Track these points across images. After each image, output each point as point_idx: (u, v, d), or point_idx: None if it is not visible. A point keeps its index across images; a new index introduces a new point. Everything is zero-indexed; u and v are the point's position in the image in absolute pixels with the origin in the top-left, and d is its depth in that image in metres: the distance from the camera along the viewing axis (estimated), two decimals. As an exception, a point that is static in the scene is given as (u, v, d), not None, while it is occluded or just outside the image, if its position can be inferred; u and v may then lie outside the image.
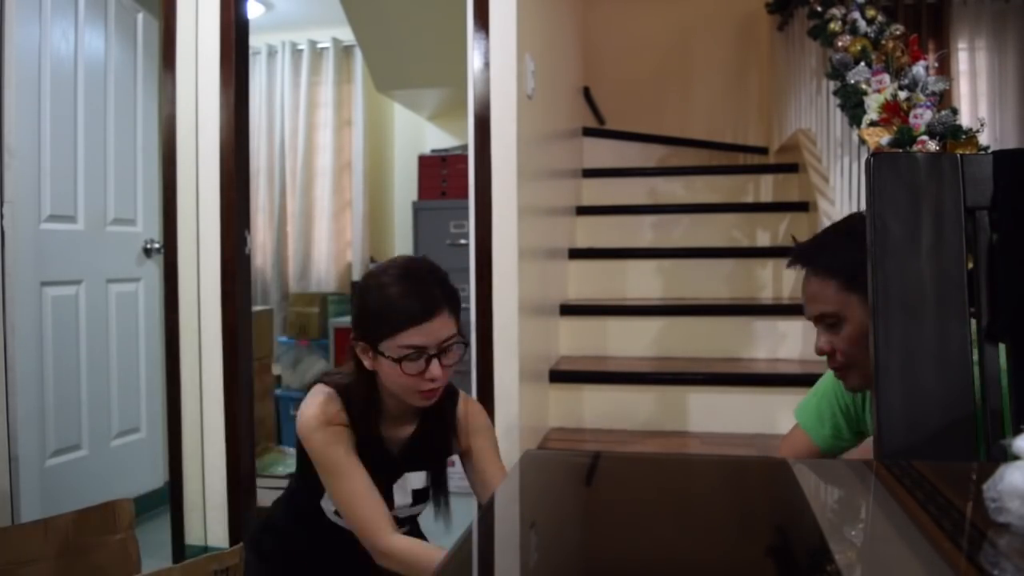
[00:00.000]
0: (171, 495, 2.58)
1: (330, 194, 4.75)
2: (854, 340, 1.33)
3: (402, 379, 1.34)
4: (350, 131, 4.76)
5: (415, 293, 1.33)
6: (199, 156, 2.52)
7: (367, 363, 1.38)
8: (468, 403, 1.54)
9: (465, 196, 2.40)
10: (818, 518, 0.66)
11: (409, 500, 1.48)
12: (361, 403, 1.41)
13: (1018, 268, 0.89)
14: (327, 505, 1.47)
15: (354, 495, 1.37)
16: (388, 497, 1.44)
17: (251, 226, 2.62)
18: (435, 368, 1.33)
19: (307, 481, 1.45)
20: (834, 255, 1.36)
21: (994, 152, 0.93)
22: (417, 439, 1.47)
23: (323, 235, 4.77)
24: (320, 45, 4.77)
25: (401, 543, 1.36)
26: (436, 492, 1.51)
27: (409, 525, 1.56)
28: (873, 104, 2.25)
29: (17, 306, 2.43)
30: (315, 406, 1.40)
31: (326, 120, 4.76)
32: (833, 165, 2.89)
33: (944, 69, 4.58)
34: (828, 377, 1.57)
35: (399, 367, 1.32)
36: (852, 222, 1.52)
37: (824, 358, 1.41)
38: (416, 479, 1.48)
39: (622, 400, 2.67)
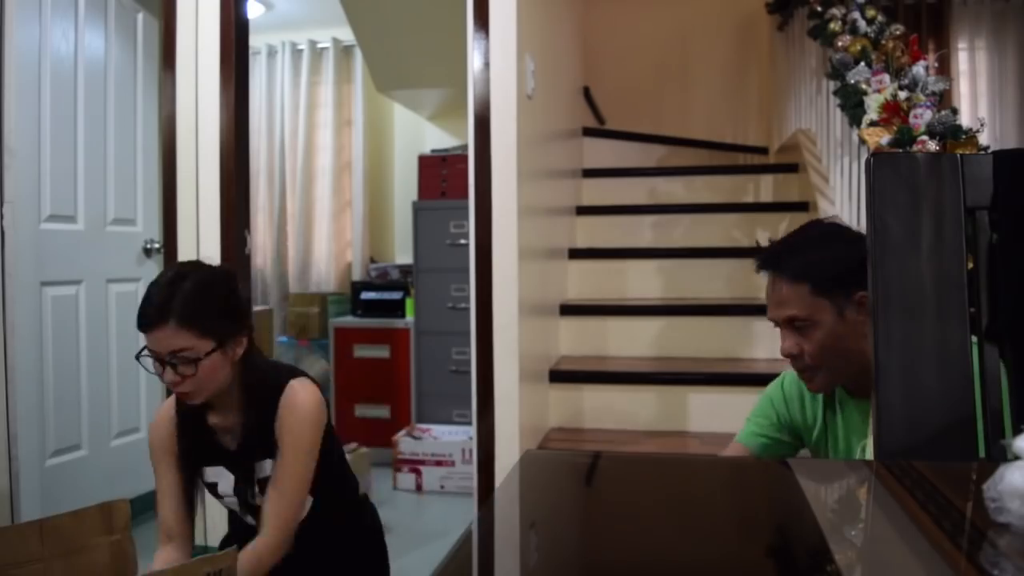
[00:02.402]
0: (171, 495, 2.57)
1: (330, 194, 4.75)
2: (823, 344, 1.35)
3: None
4: (350, 131, 4.76)
5: (147, 300, 1.40)
6: (199, 156, 2.52)
7: None
8: (295, 394, 1.50)
9: (465, 196, 2.40)
10: (818, 518, 0.66)
11: (257, 489, 1.51)
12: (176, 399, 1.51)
13: (1018, 268, 0.89)
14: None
15: (157, 493, 1.55)
16: (244, 488, 1.51)
17: (251, 226, 2.62)
18: (168, 374, 1.40)
19: None
20: (806, 260, 1.38)
21: (994, 152, 0.93)
22: (248, 429, 1.50)
23: (323, 235, 4.77)
24: (320, 45, 4.77)
25: (157, 558, 1.52)
26: None
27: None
28: (873, 104, 2.25)
29: (17, 306, 2.43)
30: (156, 413, 1.58)
31: (326, 120, 4.76)
32: (833, 165, 2.89)
33: (944, 69, 4.58)
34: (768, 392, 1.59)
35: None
36: (822, 228, 1.54)
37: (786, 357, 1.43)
38: (263, 468, 1.50)
39: (622, 400, 2.67)
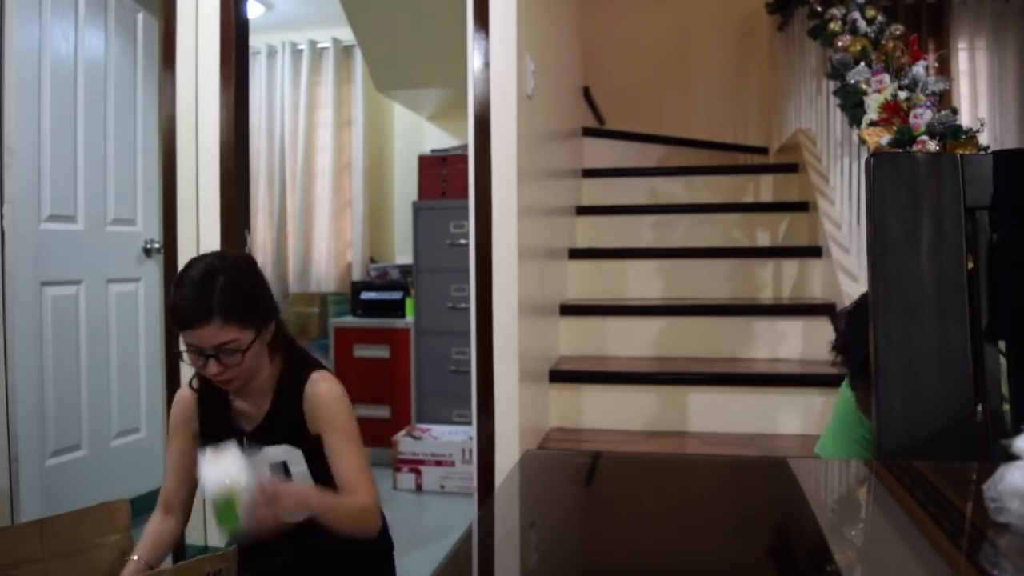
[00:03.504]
0: (171, 495, 2.57)
1: (330, 194, 4.75)
2: None
3: (195, 367, 1.46)
4: (350, 131, 4.76)
5: (185, 299, 1.41)
6: (199, 156, 2.52)
7: None
8: (317, 385, 1.54)
9: (465, 196, 2.40)
10: (818, 518, 0.66)
11: (267, 474, 1.49)
12: (200, 379, 1.56)
13: (1018, 268, 0.89)
14: None
15: (166, 461, 1.61)
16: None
17: (251, 226, 2.62)
18: (212, 367, 1.42)
19: None
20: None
21: (994, 152, 0.93)
22: (271, 416, 1.53)
23: (323, 235, 4.76)
24: (320, 45, 4.76)
25: (150, 524, 1.59)
26: (312, 470, 1.52)
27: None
28: (873, 104, 2.25)
29: (17, 306, 2.43)
30: (184, 385, 1.61)
31: (326, 120, 4.76)
32: (833, 165, 2.89)
33: (944, 69, 4.58)
34: (840, 407, 1.59)
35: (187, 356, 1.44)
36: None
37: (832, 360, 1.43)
38: (273, 453, 1.52)
39: (622, 400, 2.67)
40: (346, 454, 1.50)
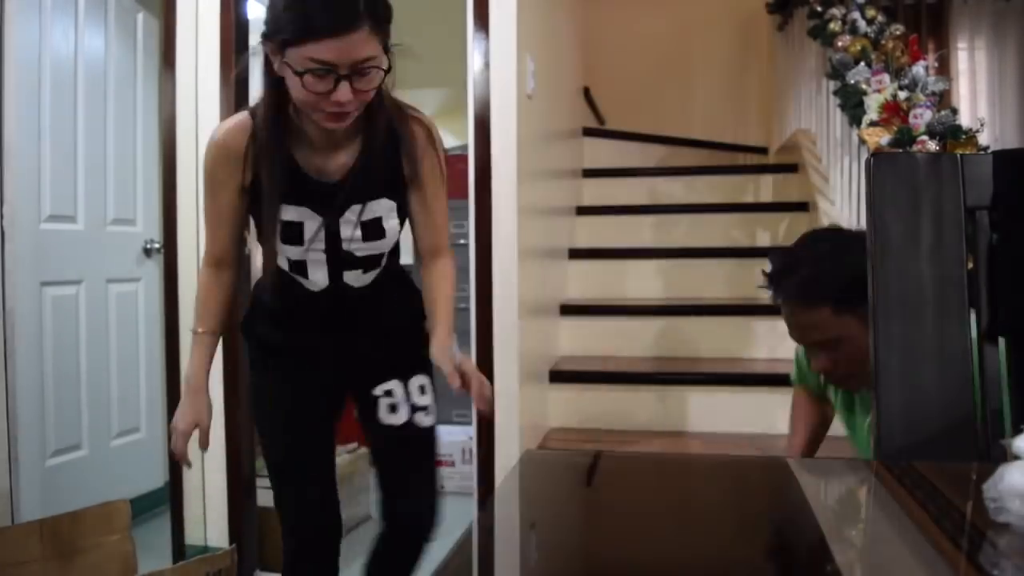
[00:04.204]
0: (171, 495, 2.57)
1: (330, 194, 4.74)
2: (854, 354, 1.33)
3: (304, 94, 1.20)
4: (350, 131, 4.76)
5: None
6: (199, 156, 2.52)
7: (276, 66, 1.25)
8: (421, 121, 1.41)
9: (465, 196, 2.40)
10: (818, 518, 0.66)
11: (359, 233, 1.37)
12: (265, 119, 1.30)
13: (1018, 268, 0.89)
14: (281, 261, 1.41)
15: (208, 215, 1.40)
16: (334, 232, 1.36)
17: (251, 226, 2.61)
18: (343, 91, 1.18)
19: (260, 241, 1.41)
20: (820, 281, 1.35)
21: (994, 152, 0.93)
22: (360, 167, 1.33)
23: (323, 235, 4.76)
24: (320, 45, 4.76)
25: (201, 278, 1.42)
26: (401, 217, 1.41)
27: (368, 266, 1.42)
28: (873, 104, 2.25)
29: (17, 306, 2.43)
30: (221, 129, 1.36)
31: (326, 120, 4.75)
32: (833, 165, 2.89)
33: (944, 69, 4.57)
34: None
35: (301, 81, 1.18)
36: (825, 239, 1.51)
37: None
38: (371, 209, 1.36)
39: (622, 400, 2.67)
40: (443, 206, 1.39)
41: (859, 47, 2.52)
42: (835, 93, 2.59)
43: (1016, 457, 0.58)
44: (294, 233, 1.36)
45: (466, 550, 0.62)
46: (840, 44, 2.60)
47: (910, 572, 0.55)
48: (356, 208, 1.35)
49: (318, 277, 1.40)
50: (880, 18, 2.67)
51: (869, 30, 2.61)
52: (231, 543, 2.41)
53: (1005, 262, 0.89)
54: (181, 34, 2.51)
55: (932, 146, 2.06)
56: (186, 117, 2.52)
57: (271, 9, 1.23)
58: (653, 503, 0.75)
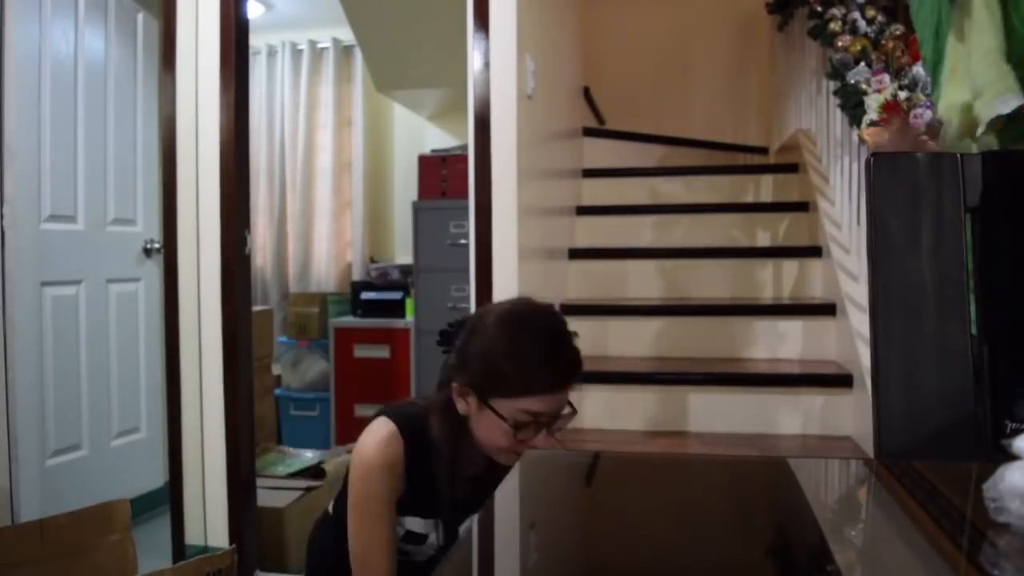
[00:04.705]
0: (171, 495, 2.57)
1: (330, 194, 4.75)
2: None
3: (503, 439, 1.23)
4: (350, 131, 4.76)
5: (556, 361, 1.24)
6: (199, 156, 2.52)
7: (461, 407, 1.29)
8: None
9: (465, 196, 2.40)
10: (818, 518, 0.66)
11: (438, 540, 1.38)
12: (448, 449, 1.30)
13: (1006, 267, 0.89)
14: None
15: (370, 545, 1.28)
16: (420, 537, 1.36)
17: (251, 226, 2.62)
18: (542, 437, 1.24)
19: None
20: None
21: (983, 153, 0.93)
22: (489, 485, 1.34)
23: (323, 235, 4.76)
24: (320, 45, 4.76)
25: None
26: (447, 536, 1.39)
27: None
28: (873, 104, 2.25)
29: (17, 306, 2.43)
30: (374, 444, 1.28)
31: (326, 120, 4.75)
32: (833, 165, 2.89)
33: (944, 69, 4.56)
34: None
35: (506, 426, 1.21)
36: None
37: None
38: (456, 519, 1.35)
39: (622, 400, 2.67)
40: None
41: (859, 47, 2.52)
42: (835, 93, 2.58)
43: (1016, 457, 0.58)
44: (416, 539, 1.36)
45: (466, 550, 0.62)
46: (840, 44, 2.59)
47: (910, 572, 0.55)
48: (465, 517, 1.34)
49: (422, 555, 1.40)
50: (880, 18, 2.66)
51: (869, 30, 2.61)
52: (231, 543, 2.41)
53: (992, 262, 0.89)
54: (181, 34, 2.51)
55: (932, 146, 2.05)
56: (186, 117, 2.53)
57: (482, 360, 1.25)
58: (653, 503, 0.74)
